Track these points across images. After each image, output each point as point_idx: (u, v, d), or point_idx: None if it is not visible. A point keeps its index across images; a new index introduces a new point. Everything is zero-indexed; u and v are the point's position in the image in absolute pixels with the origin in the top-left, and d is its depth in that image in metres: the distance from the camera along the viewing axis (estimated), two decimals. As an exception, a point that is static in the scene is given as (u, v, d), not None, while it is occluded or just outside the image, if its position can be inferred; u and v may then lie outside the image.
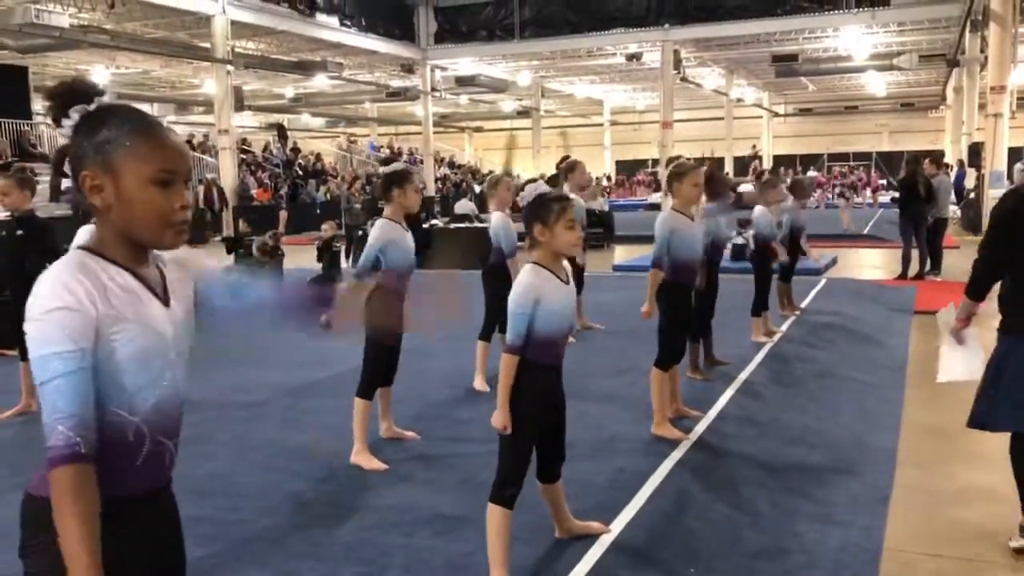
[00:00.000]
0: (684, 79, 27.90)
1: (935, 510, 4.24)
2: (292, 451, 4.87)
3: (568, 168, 7.66)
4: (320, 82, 31.97)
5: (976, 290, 3.87)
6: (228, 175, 22.67)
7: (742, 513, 4.08)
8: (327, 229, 12.61)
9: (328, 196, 26.49)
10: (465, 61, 29.67)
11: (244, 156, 27.69)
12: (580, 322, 7.99)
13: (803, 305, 9.28)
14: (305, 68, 26.55)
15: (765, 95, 39.33)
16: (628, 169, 44.62)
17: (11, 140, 22.17)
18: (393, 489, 4.28)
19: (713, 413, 5.47)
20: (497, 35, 27.28)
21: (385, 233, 4.58)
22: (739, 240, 12.20)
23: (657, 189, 30.52)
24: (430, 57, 28.83)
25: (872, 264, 14.57)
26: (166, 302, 1.68)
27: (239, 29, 23.19)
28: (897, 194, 13.34)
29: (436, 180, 30.49)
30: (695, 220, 5.21)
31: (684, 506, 4.10)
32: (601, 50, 28.33)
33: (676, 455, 4.70)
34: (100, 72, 28.99)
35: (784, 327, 8.13)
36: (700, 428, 5.18)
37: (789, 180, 9.02)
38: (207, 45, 22.92)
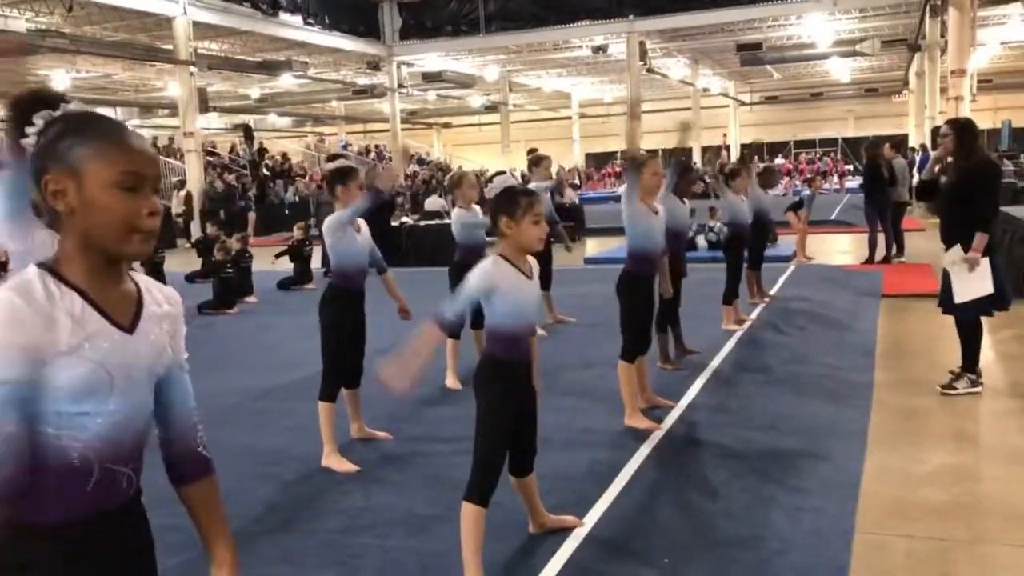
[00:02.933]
0: (650, 70, 27.97)
1: (906, 491, 4.28)
2: (263, 455, 4.83)
3: (534, 162, 7.66)
4: (286, 81, 31.78)
5: (989, 226, 5.47)
6: (194, 178, 22.43)
7: (716, 502, 4.09)
8: (298, 232, 12.53)
9: (297, 196, 26.31)
10: (431, 57, 29.58)
11: (211, 158, 27.44)
12: (552, 316, 7.99)
13: (772, 292, 9.33)
14: (270, 68, 26.34)
15: (731, 84, 39.54)
16: (598, 162, 44.71)
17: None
18: (365, 490, 4.26)
19: (684, 402, 5.49)
20: (462, 30, 27.20)
21: (334, 231, 4.51)
22: (711, 235, 12.29)
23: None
24: (396, 54, 28.71)
25: (841, 249, 14.70)
26: (130, 327, 1.59)
27: (202, 30, 22.95)
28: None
29: (405, 177, 30.32)
30: (658, 213, 5.22)
31: (658, 497, 4.11)
32: (567, 43, 28.35)
33: (648, 446, 4.70)
34: (61, 77, 28.55)
35: (754, 314, 8.16)
36: (672, 418, 5.19)
37: (760, 168, 9.09)
38: (169, 47, 22.66)
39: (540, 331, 7.52)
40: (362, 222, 4.71)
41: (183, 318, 1.78)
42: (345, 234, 4.55)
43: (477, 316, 6.37)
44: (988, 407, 5.59)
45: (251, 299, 10.73)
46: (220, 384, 6.44)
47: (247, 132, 29.43)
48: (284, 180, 28.34)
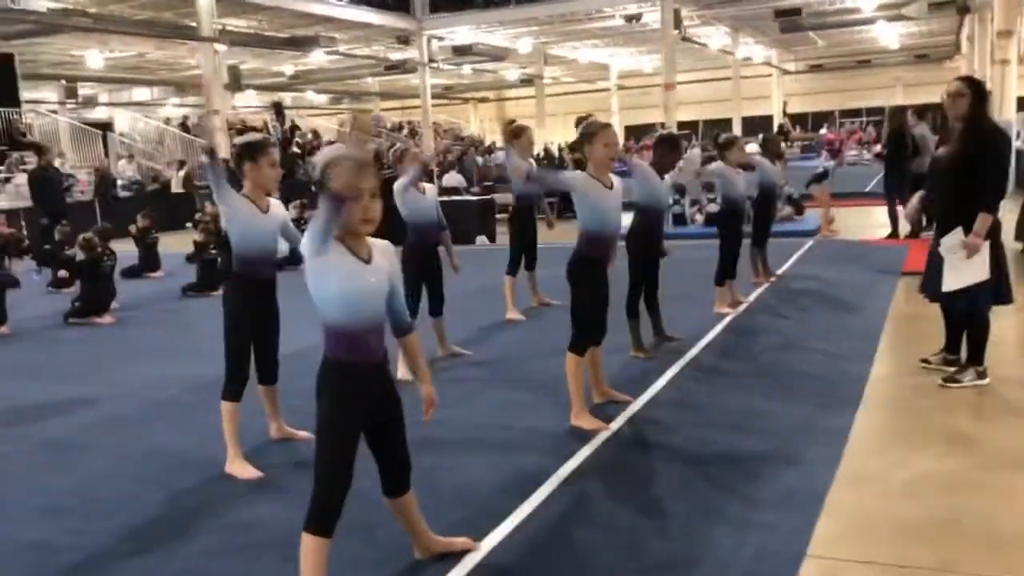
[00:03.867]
0: (686, 39, 27.06)
1: (879, 504, 3.73)
2: (168, 458, 4.43)
3: (513, 134, 7.12)
4: (317, 58, 31.42)
5: (996, 204, 4.81)
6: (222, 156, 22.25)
7: (650, 518, 3.59)
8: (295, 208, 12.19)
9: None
10: (462, 30, 28.98)
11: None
12: (535, 298, 7.49)
13: (780, 271, 8.71)
14: (298, 44, 26.08)
15: (773, 52, 38.27)
16: (638, 134, 43.76)
17: (1, 129, 21.87)
18: (258, 503, 3.83)
19: (646, 397, 4.97)
20: (493, 2, 26.58)
21: (237, 212, 4.09)
22: (712, 207, 11.64)
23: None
24: (426, 27, 28.18)
25: (877, 223, 13.63)
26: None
27: (229, 7, 22.65)
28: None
29: (437, 154, 29.85)
30: (613, 188, 4.67)
31: (582, 512, 3.61)
32: (600, 12, 27.56)
33: (589, 448, 4.20)
34: (94, 57, 28.60)
35: (752, 296, 7.59)
36: (624, 416, 4.68)
37: (760, 138, 8.43)
38: (194, 24, 22.41)
39: (518, 315, 7.13)
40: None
41: None
42: (256, 218, 4.15)
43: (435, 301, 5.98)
44: (992, 404, 4.97)
45: None
46: (165, 373, 6.07)
47: (278, 109, 29.21)
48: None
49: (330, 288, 2.69)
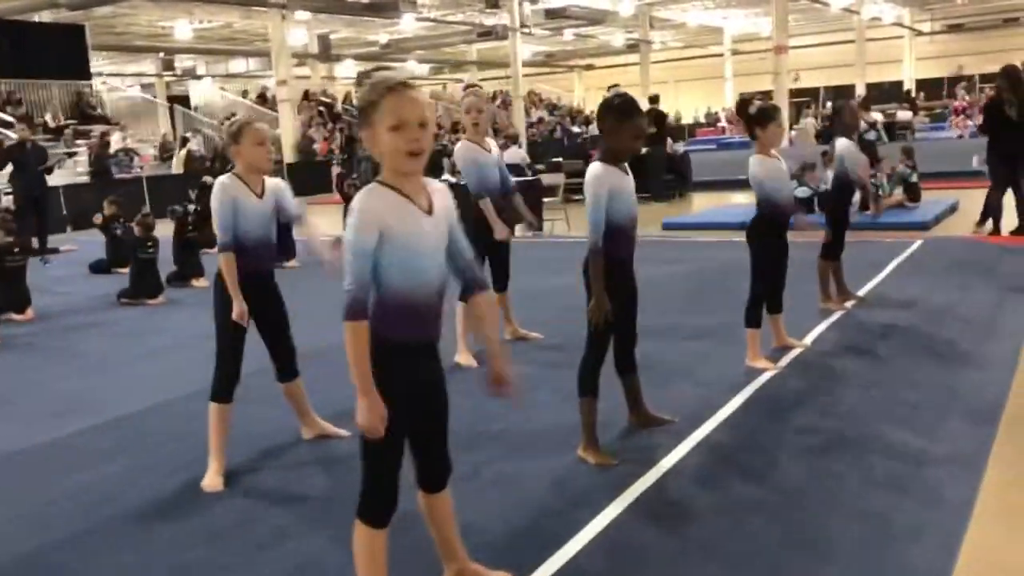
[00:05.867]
0: (803, -4, 24.40)
1: None
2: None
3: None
4: (409, 25, 30.05)
5: None
6: (288, 129, 21.09)
7: None
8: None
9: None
10: (556, -9, 27.04)
11: (321, 108, 26.11)
12: (509, 328, 5.68)
13: (863, 292, 6.54)
14: (379, 9, 24.60)
15: (906, 11, 34.73)
16: (753, 102, 40.81)
17: (70, 102, 21.33)
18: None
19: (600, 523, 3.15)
20: (589, -41, 24.57)
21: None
22: (801, 191, 9.54)
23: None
24: (516, -11, 26.36)
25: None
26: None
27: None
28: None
29: (529, 126, 28.07)
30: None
31: None
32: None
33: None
34: (183, 27, 28.02)
35: (812, 336, 5.48)
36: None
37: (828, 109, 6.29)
38: (263, -10, 21.31)
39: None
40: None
41: None
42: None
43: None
44: None
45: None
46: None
47: (359, 81, 27.98)
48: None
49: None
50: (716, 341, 5.37)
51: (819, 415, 4.19)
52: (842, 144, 6.10)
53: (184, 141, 20.46)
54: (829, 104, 6.52)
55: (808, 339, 5.38)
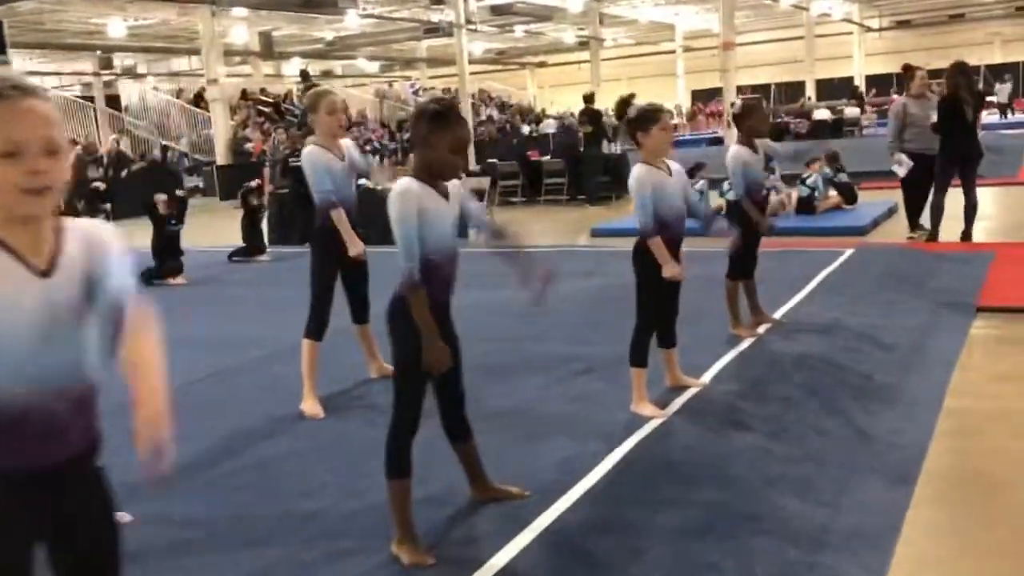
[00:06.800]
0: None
1: None
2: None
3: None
4: (354, 22, 29.31)
5: None
6: (220, 130, 20.32)
7: None
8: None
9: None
10: (502, -13, 26.45)
11: (261, 108, 25.30)
12: (375, 365, 5.01)
13: (779, 313, 5.91)
14: (314, 6, 23.88)
15: (855, 8, 34.63)
16: (706, 99, 40.56)
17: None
18: None
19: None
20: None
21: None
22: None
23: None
24: (460, -16, 25.75)
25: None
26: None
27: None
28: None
29: (476, 125, 27.47)
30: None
31: None
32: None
33: None
34: (117, 24, 27.02)
35: (713, 371, 4.79)
36: None
37: (737, 107, 5.60)
38: (192, -14, 20.50)
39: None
40: None
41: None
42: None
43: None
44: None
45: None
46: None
47: (305, 77, 27.29)
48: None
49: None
50: (607, 378, 4.64)
51: (702, 482, 3.52)
52: (733, 154, 5.34)
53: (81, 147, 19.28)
54: (737, 102, 5.88)
55: (707, 376, 4.68)
